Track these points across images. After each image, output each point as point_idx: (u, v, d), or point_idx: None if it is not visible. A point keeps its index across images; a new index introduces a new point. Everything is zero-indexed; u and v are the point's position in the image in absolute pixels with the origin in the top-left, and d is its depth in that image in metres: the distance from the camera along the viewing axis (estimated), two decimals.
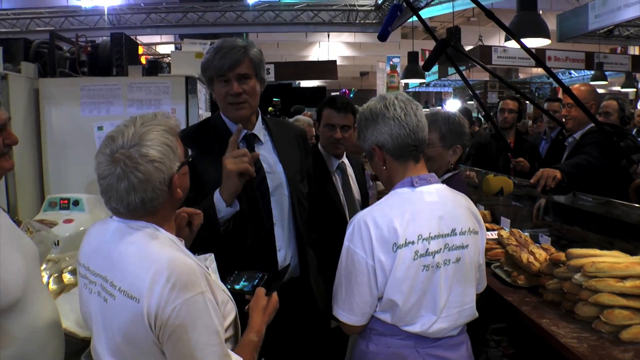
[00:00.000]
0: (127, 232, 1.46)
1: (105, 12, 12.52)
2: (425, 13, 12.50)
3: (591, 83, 12.27)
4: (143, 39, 14.13)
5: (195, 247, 1.75)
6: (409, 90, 21.64)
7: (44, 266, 2.55)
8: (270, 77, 14.31)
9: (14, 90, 3.44)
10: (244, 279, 1.74)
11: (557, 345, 2.02)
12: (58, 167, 3.71)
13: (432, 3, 12.14)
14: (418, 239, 1.74)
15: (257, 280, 1.73)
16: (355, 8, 14.00)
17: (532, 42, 6.09)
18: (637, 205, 2.67)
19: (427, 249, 1.75)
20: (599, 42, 14.56)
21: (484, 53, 13.32)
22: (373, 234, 1.74)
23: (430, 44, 2.55)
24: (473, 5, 2.75)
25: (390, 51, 18.12)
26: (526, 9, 5.88)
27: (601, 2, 10.79)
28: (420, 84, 20.87)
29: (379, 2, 13.30)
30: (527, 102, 10.26)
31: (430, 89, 25.35)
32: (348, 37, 17.56)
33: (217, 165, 2.02)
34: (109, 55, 4.02)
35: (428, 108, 16.55)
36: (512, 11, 6.39)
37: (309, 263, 2.30)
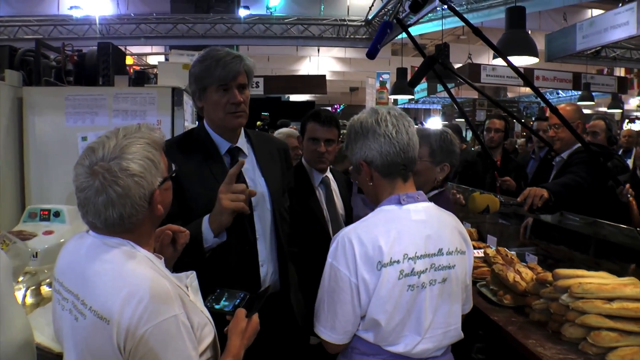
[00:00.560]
0: (102, 249, 1.41)
1: (97, 22, 12.48)
2: (415, 30, 12.59)
3: (578, 103, 12.42)
4: (134, 49, 14.11)
5: (177, 266, 1.70)
6: (398, 106, 21.71)
7: (21, 278, 2.50)
8: (260, 91, 14.31)
9: None
10: (224, 298, 1.69)
11: None
12: (40, 177, 3.65)
13: (422, 20, 12.23)
14: (404, 258, 1.71)
15: (238, 300, 1.68)
16: (345, 23, 14.07)
17: (520, 60, 6.14)
18: (623, 226, 2.67)
19: (413, 269, 1.72)
20: (586, 62, 14.74)
21: (473, 71, 13.44)
22: (357, 252, 1.70)
23: (420, 61, 2.54)
24: (463, 23, 2.74)
25: (380, 67, 18.24)
26: (515, 27, 5.92)
27: (589, 23, 10.96)
28: (410, 101, 20.97)
29: (369, 17, 13.38)
30: (515, 121, 10.34)
31: (419, 106, 25.47)
32: (338, 52, 17.65)
33: (202, 179, 2.01)
34: (95, 65, 3.97)
35: (416, 125, 16.57)
36: (502, 30, 6.43)
37: (289, 278, 2.27)
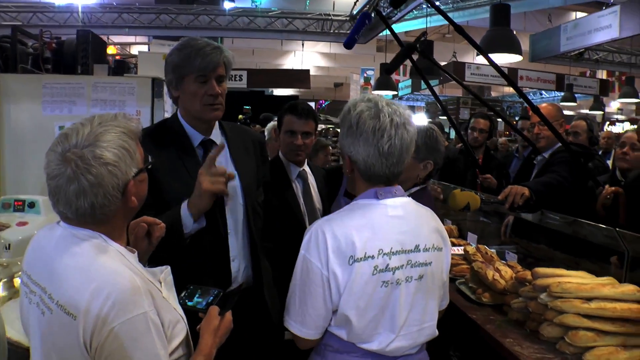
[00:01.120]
0: (72, 241, 1.36)
1: (80, 10, 12.28)
2: (399, 27, 12.59)
3: (561, 104, 12.54)
4: (117, 38, 13.94)
5: (153, 260, 1.66)
6: None
7: None
8: (243, 84, 14.22)
9: None
10: (197, 295, 1.65)
11: None
12: (15, 167, 3.59)
13: (407, 18, 12.22)
14: (378, 253, 1.68)
15: (211, 297, 1.64)
16: (330, 17, 14.01)
17: (504, 58, 6.15)
18: (603, 226, 2.67)
19: (388, 265, 1.69)
20: (570, 64, 14.88)
21: (458, 69, 13.48)
22: (329, 245, 1.66)
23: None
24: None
25: (365, 63, 18.24)
26: (499, 24, 5.92)
27: (573, 25, 11.06)
28: (393, 97, 20.98)
29: (354, 12, 13.36)
30: (499, 119, 10.39)
31: (403, 103, 25.48)
32: (323, 47, 17.58)
33: (175, 172, 1.99)
34: (74, 53, 3.91)
35: None
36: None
37: (262, 274, 2.23)
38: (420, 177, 2.57)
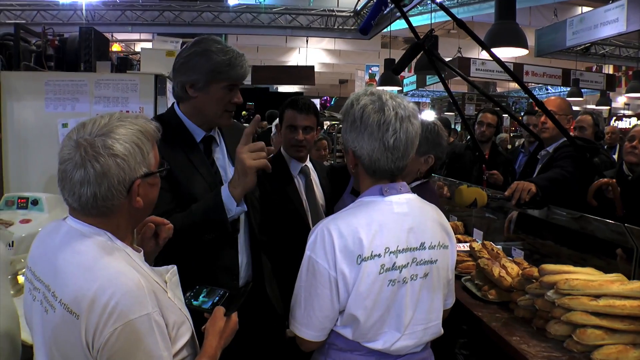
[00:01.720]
0: (77, 239, 1.34)
1: (83, 8, 12.28)
2: (403, 24, 12.49)
3: (567, 99, 12.44)
4: (122, 36, 13.93)
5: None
6: None
7: None
8: (247, 80, 14.19)
9: None
10: (203, 295, 1.64)
11: None
12: (19, 164, 3.59)
13: (412, 13, 12.17)
14: (385, 251, 1.65)
15: (217, 298, 1.63)
16: (334, 13, 13.97)
17: (509, 52, 6.08)
18: (610, 221, 2.63)
19: (394, 263, 1.66)
20: (576, 59, 14.78)
21: (463, 65, 13.39)
22: (336, 244, 1.63)
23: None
24: None
25: (370, 60, 18.16)
26: (504, 18, 5.85)
27: (579, 19, 10.96)
28: (398, 92, 20.92)
29: (358, 8, 13.31)
30: (506, 115, 10.34)
31: (408, 99, 25.34)
32: (328, 43, 17.52)
33: (182, 168, 1.98)
34: (77, 50, 3.90)
35: None
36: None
37: (263, 267, 2.23)
38: (421, 172, 2.55)
